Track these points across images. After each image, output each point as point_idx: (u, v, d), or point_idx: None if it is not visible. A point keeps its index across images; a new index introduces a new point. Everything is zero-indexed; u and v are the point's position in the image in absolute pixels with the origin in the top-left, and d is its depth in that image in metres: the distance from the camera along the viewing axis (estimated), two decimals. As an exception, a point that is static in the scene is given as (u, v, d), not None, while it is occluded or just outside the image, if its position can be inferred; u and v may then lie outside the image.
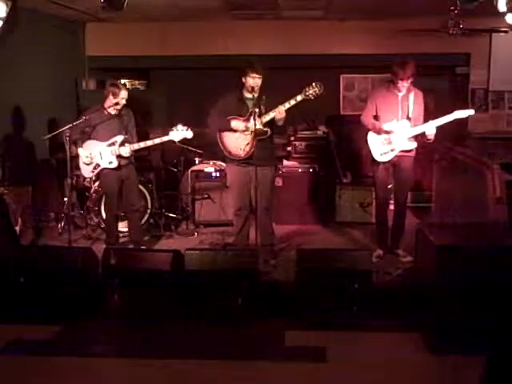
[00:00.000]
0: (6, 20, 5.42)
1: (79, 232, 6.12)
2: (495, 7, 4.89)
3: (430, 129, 4.74)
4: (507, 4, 4.81)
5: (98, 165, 5.23)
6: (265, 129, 4.78)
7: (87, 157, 5.20)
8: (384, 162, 4.99)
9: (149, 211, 6.10)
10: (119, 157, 5.18)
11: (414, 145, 4.91)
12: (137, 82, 8.22)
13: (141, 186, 5.91)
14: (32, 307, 4.11)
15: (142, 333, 3.93)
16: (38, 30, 6.52)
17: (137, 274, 4.16)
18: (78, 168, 5.87)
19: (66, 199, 6.08)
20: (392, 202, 5.37)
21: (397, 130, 4.86)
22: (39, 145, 6.39)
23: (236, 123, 4.83)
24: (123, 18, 6.83)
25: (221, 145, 4.97)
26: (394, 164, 5.01)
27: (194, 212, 6.44)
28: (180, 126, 5.07)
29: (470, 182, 5.06)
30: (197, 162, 6.63)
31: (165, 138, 5.15)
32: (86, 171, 5.34)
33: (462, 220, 5.07)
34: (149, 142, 5.23)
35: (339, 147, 7.28)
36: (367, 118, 5.01)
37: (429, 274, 3.80)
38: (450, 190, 5.65)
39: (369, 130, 5.03)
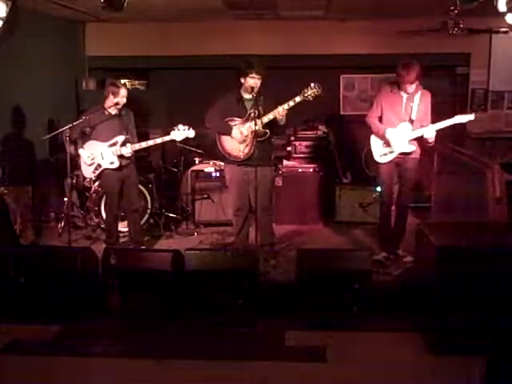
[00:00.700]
0: (6, 20, 5.42)
1: (79, 232, 6.13)
2: (495, 7, 4.88)
3: (430, 132, 4.74)
4: (507, 4, 4.80)
5: (99, 165, 5.23)
6: (264, 130, 4.78)
7: (88, 157, 5.20)
8: (387, 162, 4.98)
9: (149, 211, 6.10)
10: (120, 157, 5.18)
11: (413, 148, 4.90)
12: (137, 82, 8.22)
13: (141, 186, 5.91)
14: (32, 307, 4.11)
15: (142, 333, 3.93)
16: (38, 29, 6.52)
17: (137, 273, 4.16)
18: (78, 168, 5.88)
19: (65, 199, 6.07)
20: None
21: (398, 136, 4.84)
22: (39, 145, 6.39)
23: (236, 133, 4.81)
24: (123, 18, 6.83)
25: (220, 147, 4.97)
26: (398, 164, 5.01)
27: (193, 212, 6.44)
28: (181, 126, 5.08)
29: (470, 182, 5.06)
30: (197, 162, 6.64)
31: (166, 138, 5.15)
32: (88, 172, 5.34)
33: (462, 220, 5.07)
34: (150, 142, 5.23)
35: (339, 147, 7.28)
36: (372, 120, 5.00)
37: (429, 274, 3.80)
38: (449, 190, 5.65)
39: (372, 131, 5.02)
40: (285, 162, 6.84)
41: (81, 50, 7.67)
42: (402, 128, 4.85)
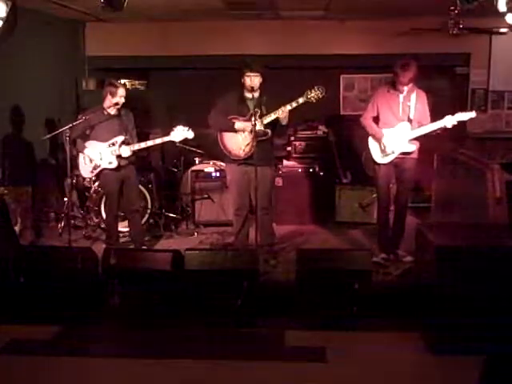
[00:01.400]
0: (6, 20, 5.42)
1: (79, 232, 6.12)
2: (495, 7, 4.88)
3: (449, 123, 4.72)
4: (507, 4, 4.80)
5: (97, 165, 5.23)
6: (265, 130, 4.79)
7: (89, 156, 5.20)
8: (385, 164, 4.99)
9: (149, 211, 6.10)
10: (119, 157, 5.18)
11: (414, 147, 4.90)
12: (137, 82, 8.21)
13: (141, 186, 5.91)
14: (32, 307, 4.11)
15: (142, 333, 3.93)
16: (38, 29, 6.51)
17: (137, 274, 4.16)
18: (78, 168, 5.87)
19: (66, 199, 6.08)
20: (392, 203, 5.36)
21: (396, 135, 4.84)
22: (39, 145, 6.39)
23: (241, 124, 4.83)
24: (123, 18, 6.83)
25: (221, 145, 4.98)
26: (396, 165, 5.00)
27: (193, 212, 6.44)
28: (180, 127, 5.08)
29: (470, 182, 5.06)
30: (197, 162, 6.64)
31: (166, 139, 5.15)
32: (86, 171, 5.34)
33: (461, 220, 5.07)
34: (149, 142, 5.23)
35: (339, 147, 7.28)
36: (367, 121, 5.00)
37: (429, 274, 3.80)
38: (449, 190, 5.65)
39: (368, 132, 5.02)
40: (285, 162, 6.84)
41: (81, 50, 7.67)
42: (400, 128, 4.85)
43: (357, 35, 7.32)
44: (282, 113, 4.67)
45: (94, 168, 5.26)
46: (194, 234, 6.22)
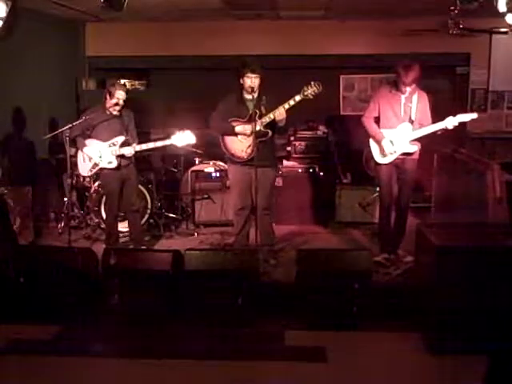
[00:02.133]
0: (6, 20, 5.42)
1: (79, 232, 6.12)
2: (495, 7, 4.88)
3: (450, 124, 4.72)
4: (507, 4, 4.81)
5: (96, 164, 5.23)
6: (265, 130, 4.78)
7: (89, 155, 5.20)
8: (387, 164, 4.98)
9: (149, 211, 6.10)
10: (120, 157, 5.18)
11: (415, 148, 4.90)
12: (137, 82, 8.22)
13: (141, 186, 5.91)
14: (32, 307, 4.11)
15: (142, 333, 3.93)
16: (38, 29, 6.52)
17: (137, 274, 4.16)
18: (76, 167, 5.86)
19: (66, 199, 6.08)
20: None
21: (397, 136, 4.84)
22: (39, 145, 6.39)
23: (241, 128, 4.83)
24: (123, 18, 6.83)
25: (223, 147, 4.98)
26: (397, 165, 5.00)
27: (193, 212, 6.44)
28: (183, 131, 5.07)
29: (470, 182, 5.06)
30: (197, 162, 6.64)
31: (167, 142, 5.15)
32: (84, 170, 5.34)
33: (461, 220, 5.06)
34: (150, 145, 5.22)
35: (339, 147, 7.28)
36: (368, 121, 4.99)
37: (429, 274, 3.80)
38: (450, 190, 5.65)
39: (368, 133, 5.01)
40: (285, 162, 6.84)
41: (81, 50, 7.67)
42: (402, 128, 4.85)
43: (357, 35, 7.32)
44: (279, 114, 4.66)
45: (93, 167, 5.25)
46: (194, 234, 6.21)
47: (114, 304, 4.18)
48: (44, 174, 6.53)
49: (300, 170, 6.68)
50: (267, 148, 4.85)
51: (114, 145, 5.16)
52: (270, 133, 4.82)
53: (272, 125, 4.80)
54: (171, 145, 5.17)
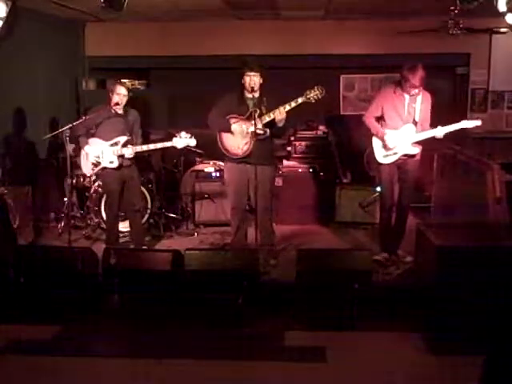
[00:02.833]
0: (6, 20, 5.43)
1: (79, 232, 6.12)
2: (495, 7, 4.89)
3: (440, 133, 4.72)
4: (507, 4, 4.81)
5: (98, 163, 5.23)
6: (264, 129, 4.78)
7: (92, 154, 5.20)
8: (388, 164, 4.98)
9: (149, 211, 6.09)
10: (121, 157, 5.17)
11: (417, 150, 4.89)
12: (137, 82, 8.23)
13: (141, 186, 5.91)
14: (32, 307, 4.11)
15: (142, 333, 3.93)
16: (37, 30, 6.52)
17: (137, 273, 4.16)
18: (78, 167, 5.86)
19: (65, 199, 6.07)
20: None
21: (399, 139, 4.84)
22: (39, 145, 6.39)
23: (236, 127, 4.83)
24: (123, 18, 6.83)
25: (219, 143, 4.98)
26: (399, 166, 5.00)
27: (194, 212, 6.44)
28: (183, 133, 5.08)
29: (470, 182, 5.06)
30: (197, 161, 6.63)
31: (167, 144, 5.15)
32: (87, 168, 5.33)
33: (462, 220, 5.06)
34: (151, 146, 5.21)
35: (339, 147, 7.27)
36: (370, 120, 4.99)
37: (429, 274, 3.80)
38: (450, 190, 5.65)
39: (370, 132, 5.02)
40: (285, 162, 6.84)
41: (81, 50, 7.68)
42: (405, 130, 4.84)
43: (357, 35, 7.32)
44: (280, 114, 4.66)
45: (95, 166, 5.25)
46: (194, 234, 6.21)
47: (114, 304, 4.19)
48: (44, 173, 6.53)
49: (300, 170, 6.68)
50: (265, 146, 4.85)
51: (116, 144, 5.15)
52: (268, 132, 4.82)
53: (271, 124, 4.80)
54: (171, 146, 5.18)
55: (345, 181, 6.91)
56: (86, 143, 5.21)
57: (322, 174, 6.62)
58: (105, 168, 5.22)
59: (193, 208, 6.44)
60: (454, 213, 5.41)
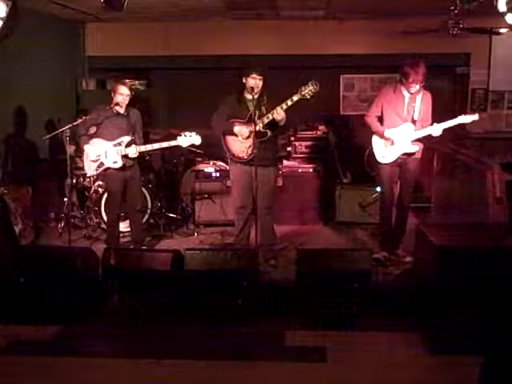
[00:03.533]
0: (6, 20, 5.43)
1: (79, 232, 6.12)
2: (495, 7, 4.88)
3: (437, 131, 4.73)
4: (507, 4, 4.80)
5: (102, 163, 5.22)
6: (264, 131, 4.79)
7: (94, 154, 5.20)
8: (389, 163, 4.98)
9: (149, 211, 6.09)
10: (125, 157, 5.17)
11: (416, 148, 4.89)
12: (137, 82, 8.22)
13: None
14: (32, 307, 4.11)
15: (142, 333, 3.93)
16: (38, 29, 6.52)
17: (137, 274, 4.16)
18: (78, 168, 5.87)
19: (66, 199, 6.07)
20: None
21: (399, 135, 4.84)
22: (39, 145, 6.39)
23: (239, 129, 4.83)
24: (123, 18, 6.84)
25: (225, 147, 4.99)
26: (400, 165, 5.00)
27: (194, 212, 6.44)
28: (188, 132, 5.07)
29: (470, 182, 5.06)
30: (197, 162, 6.63)
31: (173, 143, 5.14)
32: (91, 169, 5.32)
33: (461, 220, 5.06)
34: (156, 145, 5.21)
35: (339, 147, 7.28)
36: (371, 119, 5.00)
37: (429, 274, 3.80)
38: (449, 190, 5.65)
39: (371, 131, 5.02)
40: (285, 162, 6.84)
41: (81, 50, 7.68)
42: (404, 128, 4.85)
43: (357, 35, 7.33)
44: (278, 114, 4.67)
45: (99, 166, 5.24)
46: (194, 234, 6.21)
47: (113, 304, 4.18)
48: (44, 174, 6.54)
49: (300, 170, 6.68)
50: (268, 148, 4.85)
51: (120, 144, 5.15)
52: (269, 133, 4.82)
53: (272, 125, 4.80)
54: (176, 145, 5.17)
55: (345, 181, 6.92)
56: (87, 143, 5.21)
57: (321, 174, 6.61)
58: (108, 168, 5.22)
59: (193, 208, 6.44)
60: (454, 213, 5.41)
